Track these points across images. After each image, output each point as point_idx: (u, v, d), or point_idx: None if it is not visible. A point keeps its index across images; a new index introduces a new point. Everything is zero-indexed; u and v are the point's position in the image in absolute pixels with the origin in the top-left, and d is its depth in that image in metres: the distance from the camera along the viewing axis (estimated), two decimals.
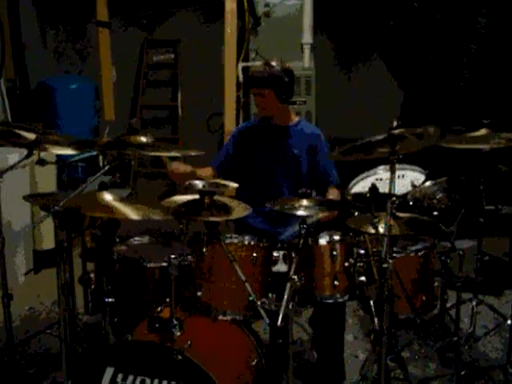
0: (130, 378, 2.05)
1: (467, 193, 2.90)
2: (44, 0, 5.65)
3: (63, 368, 2.18)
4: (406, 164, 2.82)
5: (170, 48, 6.11)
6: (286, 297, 2.03)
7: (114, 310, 2.34)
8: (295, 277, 2.07)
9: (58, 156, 3.36)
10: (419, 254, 2.49)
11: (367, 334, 3.13)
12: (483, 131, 2.59)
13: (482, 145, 2.59)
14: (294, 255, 2.19)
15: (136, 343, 2.16)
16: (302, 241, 2.21)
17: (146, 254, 2.49)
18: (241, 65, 5.07)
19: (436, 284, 2.57)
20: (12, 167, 2.54)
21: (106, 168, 2.14)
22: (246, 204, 2.30)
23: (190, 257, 2.23)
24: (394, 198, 2.12)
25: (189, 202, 2.25)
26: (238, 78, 5.01)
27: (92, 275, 2.60)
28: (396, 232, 2.24)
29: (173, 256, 2.11)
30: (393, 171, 2.05)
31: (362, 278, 2.29)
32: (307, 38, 5.06)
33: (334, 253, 2.32)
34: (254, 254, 2.26)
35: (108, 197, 2.11)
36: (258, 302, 2.19)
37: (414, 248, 2.51)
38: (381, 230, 2.16)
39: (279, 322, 2.00)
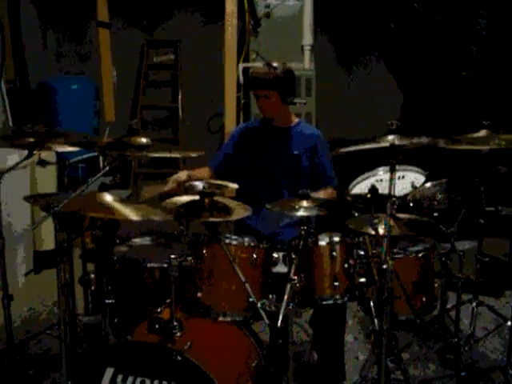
0: (130, 378, 2.05)
1: (467, 194, 2.91)
2: (44, 0, 5.65)
3: (63, 369, 2.18)
4: (406, 165, 2.82)
5: (171, 49, 6.11)
6: (285, 298, 2.03)
7: (114, 310, 2.34)
8: (295, 278, 2.08)
9: (59, 157, 3.36)
10: (419, 254, 2.49)
11: (367, 335, 3.12)
12: (483, 132, 2.59)
13: (481, 146, 2.59)
14: (293, 256, 2.19)
15: (136, 344, 2.15)
16: (301, 242, 2.22)
17: (146, 254, 2.50)
18: (241, 66, 5.08)
19: (436, 285, 2.58)
20: (12, 168, 2.54)
21: (107, 169, 2.15)
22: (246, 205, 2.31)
23: (190, 258, 2.23)
24: (393, 199, 2.12)
25: (189, 202, 2.25)
26: (238, 78, 5.01)
27: (92, 276, 2.61)
28: (396, 233, 2.24)
29: (173, 257, 2.11)
30: (393, 172, 2.05)
31: (362, 279, 2.30)
32: (307, 39, 5.07)
33: (334, 254, 2.31)
34: (254, 255, 2.26)
35: (108, 198, 2.11)
36: (258, 303, 2.19)
37: (414, 249, 2.51)
38: (381, 231, 2.16)
39: (279, 323, 2.01)
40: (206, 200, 2.18)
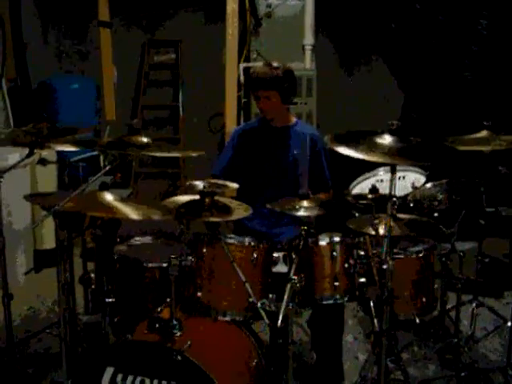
0: (130, 378, 2.05)
1: (468, 194, 2.91)
2: (46, 0, 5.66)
3: (63, 368, 2.19)
4: (406, 165, 2.82)
5: (172, 48, 6.11)
6: (285, 297, 2.03)
7: (114, 309, 2.35)
8: (295, 278, 2.07)
9: (59, 155, 3.36)
10: (419, 255, 2.49)
11: (367, 335, 3.13)
12: (484, 133, 2.59)
13: (482, 147, 2.59)
14: (294, 256, 2.19)
15: (136, 343, 2.16)
16: (302, 242, 2.22)
17: (147, 254, 2.50)
18: (242, 65, 5.07)
19: (436, 285, 2.57)
20: (13, 167, 2.54)
21: (107, 168, 2.15)
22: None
23: (190, 257, 2.23)
24: (394, 199, 2.12)
25: (189, 202, 2.25)
26: (239, 78, 5.01)
27: (92, 275, 2.61)
28: (396, 233, 2.24)
29: (173, 256, 2.11)
30: (393, 172, 2.05)
31: (362, 279, 2.29)
32: (309, 38, 5.07)
33: (334, 254, 2.31)
34: (254, 255, 2.26)
35: (109, 197, 2.11)
36: (258, 303, 2.19)
37: (414, 249, 2.51)
38: (381, 231, 2.16)
39: (279, 323, 2.01)
40: (207, 200, 2.18)
